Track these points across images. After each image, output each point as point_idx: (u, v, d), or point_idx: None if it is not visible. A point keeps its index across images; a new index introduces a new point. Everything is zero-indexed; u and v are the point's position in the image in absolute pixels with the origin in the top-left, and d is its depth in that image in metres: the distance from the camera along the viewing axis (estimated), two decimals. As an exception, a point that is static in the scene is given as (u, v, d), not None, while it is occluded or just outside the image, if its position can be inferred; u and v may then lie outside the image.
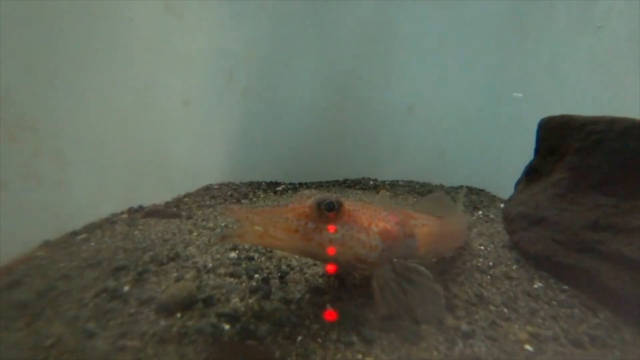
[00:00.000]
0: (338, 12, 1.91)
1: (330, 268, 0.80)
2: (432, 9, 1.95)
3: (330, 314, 0.64)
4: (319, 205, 0.60)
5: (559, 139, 0.95)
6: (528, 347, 0.60)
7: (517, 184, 1.16)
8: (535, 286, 0.81)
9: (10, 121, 0.81)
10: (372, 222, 0.65)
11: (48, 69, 0.91)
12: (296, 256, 0.88)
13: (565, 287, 0.81)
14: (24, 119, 0.85)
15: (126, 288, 0.69)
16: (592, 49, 1.40)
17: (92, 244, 0.89)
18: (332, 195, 0.62)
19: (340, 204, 0.61)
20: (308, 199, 0.62)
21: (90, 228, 1.01)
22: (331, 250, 0.60)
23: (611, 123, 0.82)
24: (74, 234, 0.96)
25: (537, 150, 1.06)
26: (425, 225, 0.75)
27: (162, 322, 0.59)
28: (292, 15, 1.86)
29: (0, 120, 0.78)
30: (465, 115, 2.07)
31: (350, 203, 0.65)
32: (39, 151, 0.89)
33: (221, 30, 1.69)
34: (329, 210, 0.60)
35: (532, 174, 1.07)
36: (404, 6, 1.95)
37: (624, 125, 0.80)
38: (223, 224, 1.13)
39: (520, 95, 1.81)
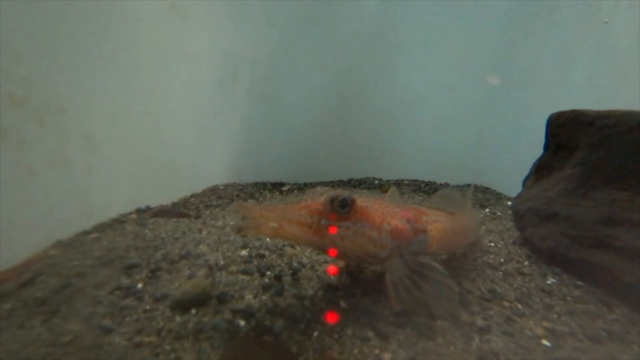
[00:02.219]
0: (341, 12, 1.91)
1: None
2: (437, 6, 1.95)
3: (335, 315, 0.63)
4: (331, 201, 0.60)
5: (570, 134, 0.94)
6: (545, 342, 0.59)
7: (526, 180, 1.15)
8: (549, 282, 0.81)
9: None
10: (384, 219, 0.64)
11: (55, 70, 0.91)
12: (307, 253, 0.88)
13: (580, 282, 0.80)
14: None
15: (140, 285, 0.69)
16: (599, 44, 1.39)
17: (104, 242, 0.89)
18: (344, 192, 0.61)
19: (353, 201, 0.61)
20: (321, 196, 0.62)
21: (101, 228, 1.01)
22: (341, 247, 0.60)
23: (622, 117, 0.82)
24: (85, 233, 0.96)
25: (547, 146, 1.05)
26: (437, 222, 0.75)
27: (178, 319, 0.59)
28: (297, 16, 1.87)
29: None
30: (470, 113, 2.06)
31: (363, 200, 0.65)
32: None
33: (225, 31, 1.69)
34: (341, 207, 0.60)
35: (541, 169, 1.06)
36: (407, 5, 1.95)
37: (635, 119, 0.80)
38: (232, 223, 1.13)
39: (521, 93, 1.81)
